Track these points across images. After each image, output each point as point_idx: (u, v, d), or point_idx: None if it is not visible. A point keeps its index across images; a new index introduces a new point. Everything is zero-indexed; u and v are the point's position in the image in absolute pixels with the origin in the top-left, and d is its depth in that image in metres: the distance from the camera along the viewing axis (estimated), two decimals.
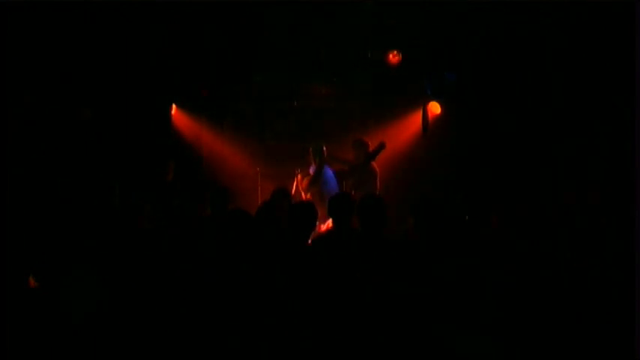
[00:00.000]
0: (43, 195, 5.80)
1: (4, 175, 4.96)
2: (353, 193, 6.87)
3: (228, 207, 5.56)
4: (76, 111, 7.21)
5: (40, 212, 5.43)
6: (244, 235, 3.83)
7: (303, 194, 7.06)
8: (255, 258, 3.72)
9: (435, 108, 7.58)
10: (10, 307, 3.78)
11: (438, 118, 7.67)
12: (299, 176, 7.15)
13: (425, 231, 4.31)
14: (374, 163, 7.20)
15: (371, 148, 7.11)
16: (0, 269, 4.07)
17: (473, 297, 3.35)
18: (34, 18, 5.45)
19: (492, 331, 3.19)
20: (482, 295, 3.32)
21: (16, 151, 5.89)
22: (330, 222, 5.27)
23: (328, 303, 3.70)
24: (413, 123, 7.82)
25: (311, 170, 7.07)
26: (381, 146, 7.15)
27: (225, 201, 5.62)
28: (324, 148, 7.07)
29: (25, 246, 4.95)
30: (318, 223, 6.62)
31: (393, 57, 6.91)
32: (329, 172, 7.08)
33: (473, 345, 3.15)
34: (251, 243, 3.90)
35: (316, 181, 6.91)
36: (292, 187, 7.20)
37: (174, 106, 7.82)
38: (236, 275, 3.56)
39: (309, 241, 4.69)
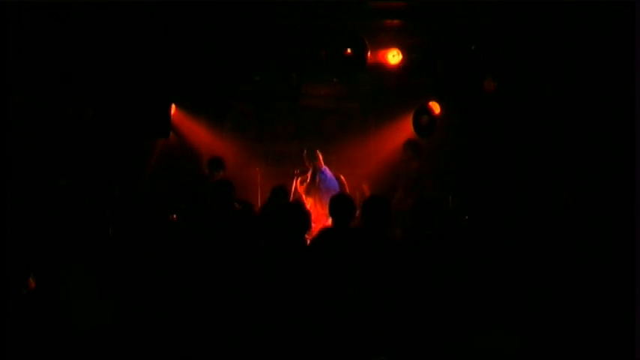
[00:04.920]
0: (43, 195, 5.80)
1: (5, 175, 4.96)
2: (405, 196, 6.86)
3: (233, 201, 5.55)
4: (76, 111, 7.21)
5: (41, 212, 5.42)
6: (247, 234, 3.83)
7: (303, 196, 7.07)
8: (254, 257, 3.72)
9: (434, 108, 7.59)
10: (10, 308, 3.78)
11: (438, 119, 7.68)
12: (298, 180, 7.17)
13: (425, 231, 4.32)
14: (419, 163, 7.21)
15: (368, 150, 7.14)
16: (0, 269, 4.07)
17: (472, 296, 3.35)
18: (34, 18, 5.45)
19: (491, 331, 3.18)
20: (482, 294, 3.32)
21: (16, 151, 5.89)
22: (328, 223, 5.27)
23: (328, 302, 3.70)
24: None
25: (310, 173, 7.10)
26: None
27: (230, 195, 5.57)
28: (317, 151, 7.09)
29: (25, 246, 4.95)
30: (318, 224, 6.66)
31: (393, 57, 6.89)
32: (328, 174, 7.08)
33: (471, 344, 3.14)
34: (251, 243, 3.90)
35: (313, 185, 6.92)
36: (292, 187, 7.21)
37: (174, 106, 7.82)
38: (236, 274, 3.56)
39: (308, 241, 4.69)
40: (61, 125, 7.00)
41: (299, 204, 5.19)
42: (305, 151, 7.13)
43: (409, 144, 7.36)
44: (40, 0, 5.27)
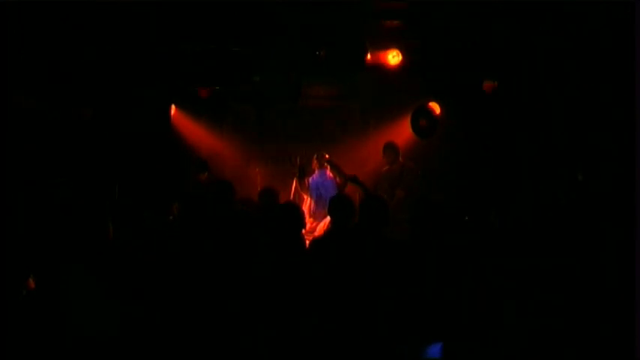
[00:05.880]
0: (42, 195, 5.80)
1: (4, 174, 4.96)
2: (397, 192, 6.96)
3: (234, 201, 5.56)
4: (76, 111, 7.21)
5: (40, 212, 5.43)
6: (244, 236, 3.83)
7: (303, 194, 7.09)
8: (252, 258, 3.72)
9: (435, 108, 7.59)
10: (10, 309, 3.78)
11: (439, 119, 7.69)
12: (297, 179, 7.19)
13: (424, 231, 4.32)
14: (410, 162, 7.28)
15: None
16: (0, 269, 4.07)
17: (471, 298, 3.35)
18: (33, 18, 5.45)
19: (490, 331, 3.18)
20: (480, 295, 3.32)
21: (16, 150, 5.89)
22: (327, 221, 5.28)
23: (329, 303, 3.70)
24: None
25: (315, 175, 7.12)
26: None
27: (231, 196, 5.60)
28: (327, 156, 7.15)
29: (25, 246, 4.94)
30: (314, 224, 6.68)
31: (393, 57, 6.89)
32: (326, 174, 7.10)
33: (470, 346, 3.15)
34: (250, 243, 3.90)
35: (302, 180, 6.97)
36: (292, 187, 7.21)
37: (173, 106, 7.82)
38: (235, 274, 3.56)
39: (308, 242, 4.69)
40: (61, 125, 7.00)
41: (292, 204, 5.20)
42: (315, 156, 7.17)
43: (390, 146, 7.42)
44: (40, 0, 5.27)
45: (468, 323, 3.32)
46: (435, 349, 3.30)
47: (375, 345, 3.55)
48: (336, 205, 4.67)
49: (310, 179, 7.14)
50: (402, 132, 8.00)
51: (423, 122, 7.64)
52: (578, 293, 3.82)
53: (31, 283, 4.09)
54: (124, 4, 5.63)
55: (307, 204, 7.03)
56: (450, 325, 3.35)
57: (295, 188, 7.16)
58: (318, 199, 6.94)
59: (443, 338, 3.36)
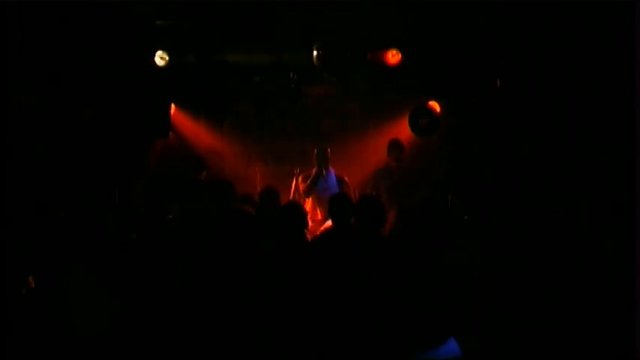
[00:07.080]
0: (42, 195, 5.80)
1: (4, 175, 4.96)
2: (385, 196, 6.87)
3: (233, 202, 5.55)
4: (76, 111, 7.21)
5: (40, 212, 5.43)
6: (245, 235, 3.82)
7: (303, 196, 7.05)
8: (254, 258, 3.72)
9: (435, 107, 7.59)
10: (9, 308, 3.78)
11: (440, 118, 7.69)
12: (300, 177, 7.14)
13: (425, 230, 4.32)
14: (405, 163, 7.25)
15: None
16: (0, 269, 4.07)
17: (470, 296, 3.35)
18: (33, 17, 5.45)
19: (489, 330, 3.18)
20: (480, 294, 3.32)
21: (16, 150, 5.89)
22: (329, 223, 5.27)
23: (327, 302, 3.70)
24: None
25: (313, 171, 7.06)
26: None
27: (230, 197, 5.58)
28: (329, 151, 7.08)
29: (25, 246, 4.94)
30: (316, 224, 6.66)
31: (393, 57, 6.89)
32: (330, 174, 7.07)
33: (467, 343, 3.14)
34: (251, 243, 3.90)
35: (315, 183, 6.89)
36: (292, 187, 7.20)
37: (173, 106, 7.81)
38: (236, 274, 3.56)
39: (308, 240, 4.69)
40: (61, 125, 7.00)
41: (295, 203, 5.19)
42: (315, 151, 7.10)
43: (395, 143, 7.36)
44: (40, 0, 5.27)
45: (467, 323, 3.32)
46: (450, 347, 3.27)
47: (374, 345, 3.55)
48: (335, 205, 4.67)
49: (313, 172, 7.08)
50: (402, 131, 7.99)
51: (423, 121, 7.63)
52: (578, 293, 3.82)
53: (31, 282, 4.10)
54: (124, 4, 5.64)
55: (307, 205, 7.01)
56: (449, 325, 3.35)
57: (295, 188, 7.14)
58: (317, 200, 6.92)
59: (442, 338, 3.36)
